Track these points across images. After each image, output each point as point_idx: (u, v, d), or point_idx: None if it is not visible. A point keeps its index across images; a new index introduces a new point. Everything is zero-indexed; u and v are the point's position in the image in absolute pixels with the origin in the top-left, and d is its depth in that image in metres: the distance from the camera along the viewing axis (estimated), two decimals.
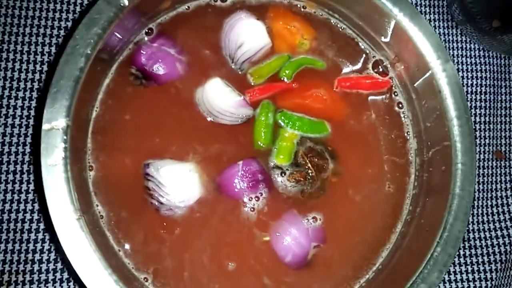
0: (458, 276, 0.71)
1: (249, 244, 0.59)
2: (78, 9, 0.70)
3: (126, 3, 0.55)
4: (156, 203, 0.57)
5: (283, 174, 0.61)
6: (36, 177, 0.63)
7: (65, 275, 0.62)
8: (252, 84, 0.63)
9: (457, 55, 0.80)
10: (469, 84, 0.79)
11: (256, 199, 0.60)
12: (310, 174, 0.60)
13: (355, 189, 0.63)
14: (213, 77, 0.61)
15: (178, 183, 0.57)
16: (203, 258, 0.58)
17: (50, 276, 0.62)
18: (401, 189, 0.65)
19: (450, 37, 0.80)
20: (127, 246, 0.57)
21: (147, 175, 0.57)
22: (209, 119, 0.61)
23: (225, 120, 0.61)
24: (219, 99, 0.59)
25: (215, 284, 0.58)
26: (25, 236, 0.62)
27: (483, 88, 0.80)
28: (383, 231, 0.63)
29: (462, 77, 0.79)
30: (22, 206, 0.63)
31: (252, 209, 0.60)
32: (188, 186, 0.58)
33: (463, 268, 0.72)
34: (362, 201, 0.63)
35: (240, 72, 0.63)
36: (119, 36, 0.58)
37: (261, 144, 0.61)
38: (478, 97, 0.79)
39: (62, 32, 0.69)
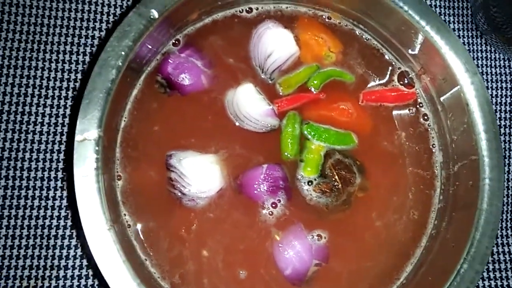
0: None
1: (261, 250, 0.59)
2: (111, 18, 0.72)
3: (156, 15, 0.55)
4: (179, 194, 0.58)
5: (309, 183, 0.61)
6: (68, 185, 0.65)
7: (90, 282, 0.63)
8: (281, 94, 0.64)
9: (482, 65, 0.79)
10: (493, 95, 0.78)
11: (273, 205, 0.60)
12: (336, 186, 0.60)
13: (378, 212, 0.63)
14: (246, 82, 0.62)
15: (199, 174, 0.58)
16: (218, 262, 0.59)
17: (75, 283, 0.63)
18: (426, 203, 0.64)
19: (475, 47, 0.80)
20: (153, 255, 0.57)
21: (170, 166, 0.58)
22: (236, 123, 0.62)
23: (250, 126, 0.61)
24: (249, 104, 0.60)
25: None
26: (51, 242, 0.64)
27: (508, 99, 0.79)
28: (406, 246, 0.63)
29: (486, 87, 0.78)
30: (52, 212, 0.64)
31: (270, 213, 0.60)
32: (209, 177, 0.58)
33: (486, 283, 0.71)
34: (382, 227, 0.63)
35: (270, 82, 0.64)
36: (148, 47, 0.58)
37: (288, 155, 0.61)
38: (503, 108, 0.78)
39: (96, 42, 0.70)
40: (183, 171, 0.57)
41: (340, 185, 0.60)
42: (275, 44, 0.62)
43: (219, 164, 0.59)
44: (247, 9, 0.66)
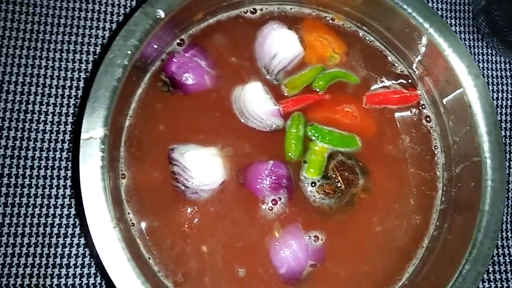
0: None
1: (260, 247, 0.60)
2: (115, 18, 0.72)
3: (162, 15, 0.56)
4: (182, 187, 0.58)
5: (313, 184, 0.61)
6: (74, 184, 0.65)
7: (91, 281, 0.63)
8: (286, 94, 0.64)
9: (483, 67, 0.80)
10: (494, 97, 0.79)
11: (274, 202, 0.60)
12: (340, 187, 0.60)
13: (380, 213, 0.63)
14: (255, 81, 0.62)
15: (202, 167, 0.58)
16: (218, 259, 0.59)
17: (77, 281, 0.63)
18: (428, 204, 0.64)
19: (476, 50, 0.81)
20: (156, 254, 0.57)
21: (172, 160, 0.58)
22: (242, 120, 0.62)
23: (254, 124, 0.62)
24: (255, 102, 0.61)
25: None
26: (54, 240, 0.64)
27: (509, 102, 0.79)
28: (408, 247, 0.63)
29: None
30: (55, 211, 0.65)
31: (270, 208, 0.60)
32: (212, 169, 0.59)
33: (486, 285, 0.72)
34: (383, 228, 0.63)
35: (275, 82, 0.64)
36: (153, 47, 0.59)
37: (292, 156, 0.62)
38: (503, 111, 0.79)
39: (100, 41, 0.70)
40: (186, 165, 0.57)
41: (343, 186, 0.61)
42: (280, 45, 0.62)
43: (221, 157, 0.60)
44: (252, 10, 0.66)
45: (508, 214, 0.74)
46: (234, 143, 0.61)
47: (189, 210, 0.59)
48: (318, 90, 0.65)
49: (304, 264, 0.59)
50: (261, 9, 0.67)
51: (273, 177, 0.59)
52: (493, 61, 0.81)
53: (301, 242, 0.59)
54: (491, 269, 0.72)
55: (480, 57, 0.80)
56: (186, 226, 0.59)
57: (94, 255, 0.64)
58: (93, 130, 0.51)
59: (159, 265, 0.57)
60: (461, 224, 0.60)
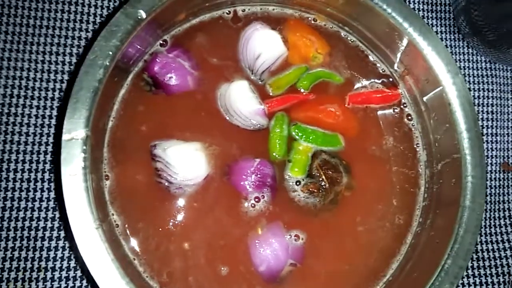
0: None
1: (241, 245, 0.60)
2: (98, 19, 0.71)
3: (144, 15, 0.56)
4: (166, 183, 0.58)
5: (297, 184, 0.61)
6: (56, 186, 0.64)
7: (77, 283, 0.63)
8: (271, 94, 0.65)
9: (464, 67, 0.81)
10: (475, 96, 0.80)
11: (256, 199, 0.60)
12: (324, 186, 0.61)
13: (364, 210, 0.64)
14: (242, 79, 0.63)
15: (185, 162, 0.58)
16: (200, 258, 0.59)
17: (63, 284, 0.63)
18: (410, 201, 0.65)
19: (457, 49, 0.82)
20: (141, 254, 0.57)
21: (155, 156, 0.58)
22: (226, 117, 0.62)
23: (238, 122, 0.62)
24: (240, 101, 0.61)
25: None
26: (39, 244, 0.63)
27: (489, 100, 0.81)
28: (392, 244, 0.64)
29: (469, 89, 0.80)
30: (39, 214, 0.64)
31: (252, 206, 0.60)
32: (195, 164, 0.59)
33: (471, 280, 0.73)
34: (367, 226, 0.63)
35: (260, 82, 0.65)
36: (135, 47, 0.59)
37: (276, 155, 0.62)
38: (485, 109, 0.80)
39: (82, 43, 0.70)
40: (169, 160, 0.57)
41: (327, 184, 0.61)
42: (263, 46, 0.63)
43: (204, 151, 0.60)
44: (234, 10, 0.67)
45: (492, 210, 0.76)
46: (218, 140, 0.62)
47: (173, 208, 0.59)
48: (302, 90, 0.66)
49: (283, 263, 0.59)
50: (244, 10, 0.67)
51: (258, 175, 0.60)
52: (474, 61, 0.82)
53: (282, 240, 0.59)
54: (475, 264, 0.73)
55: (462, 57, 0.81)
56: (170, 224, 0.59)
57: (79, 258, 0.63)
58: (75, 131, 0.51)
59: (144, 266, 0.57)
60: (443, 219, 0.60)
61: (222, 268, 0.59)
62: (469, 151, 0.59)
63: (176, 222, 0.59)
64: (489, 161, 0.78)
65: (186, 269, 0.58)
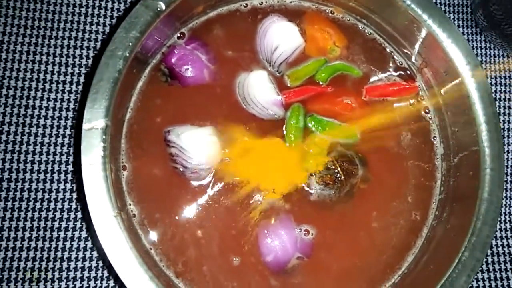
0: (481, 283, 0.71)
1: (253, 234, 0.60)
2: (115, 14, 0.72)
3: (163, 7, 0.56)
4: (181, 168, 0.58)
5: (313, 175, 0.61)
6: (76, 176, 0.65)
7: (93, 274, 0.64)
8: (289, 85, 0.65)
9: (481, 61, 0.80)
10: (492, 91, 0.79)
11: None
12: (339, 178, 0.61)
13: (379, 203, 0.63)
14: (261, 69, 0.63)
15: (199, 147, 0.58)
16: (214, 247, 0.59)
17: (78, 274, 0.63)
18: (427, 194, 0.65)
19: (475, 44, 0.81)
20: (157, 243, 0.58)
21: (169, 142, 0.59)
22: (243, 105, 0.63)
23: (255, 111, 0.62)
24: (258, 90, 0.61)
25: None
26: (55, 234, 0.64)
27: (506, 95, 0.80)
28: (407, 237, 0.63)
29: None
30: (55, 205, 0.65)
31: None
32: (209, 148, 0.59)
33: (486, 275, 0.72)
34: (382, 219, 0.63)
35: (278, 74, 0.65)
36: (154, 39, 0.59)
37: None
38: (502, 104, 0.79)
39: (100, 37, 0.71)
40: (183, 145, 0.57)
41: (342, 177, 0.61)
42: (281, 38, 0.63)
43: (217, 136, 0.60)
44: (252, 3, 0.67)
45: (507, 205, 0.75)
46: (234, 128, 0.62)
47: (188, 195, 0.60)
48: (320, 82, 0.65)
49: (291, 255, 0.59)
50: (261, 3, 0.67)
51: None
52: (492, 55, 0.81)
53: (292, 233, 0.59)
54: (490, 260, 0.72)
55: (479, 51, 0.81)
56: (185, 212, 0.59)
57: (97, 248, 0.64)
58: (95, 121, 0.51)
59: (160, 255, 0.57)
60: (460, 212, 0.60)
61: (234, 259, 0.59)
62: (487, 143, 0.59)
63: (191, 210, 0.59)
64: (506, 156, 0.77)
65: (200, 258, 0.58)
